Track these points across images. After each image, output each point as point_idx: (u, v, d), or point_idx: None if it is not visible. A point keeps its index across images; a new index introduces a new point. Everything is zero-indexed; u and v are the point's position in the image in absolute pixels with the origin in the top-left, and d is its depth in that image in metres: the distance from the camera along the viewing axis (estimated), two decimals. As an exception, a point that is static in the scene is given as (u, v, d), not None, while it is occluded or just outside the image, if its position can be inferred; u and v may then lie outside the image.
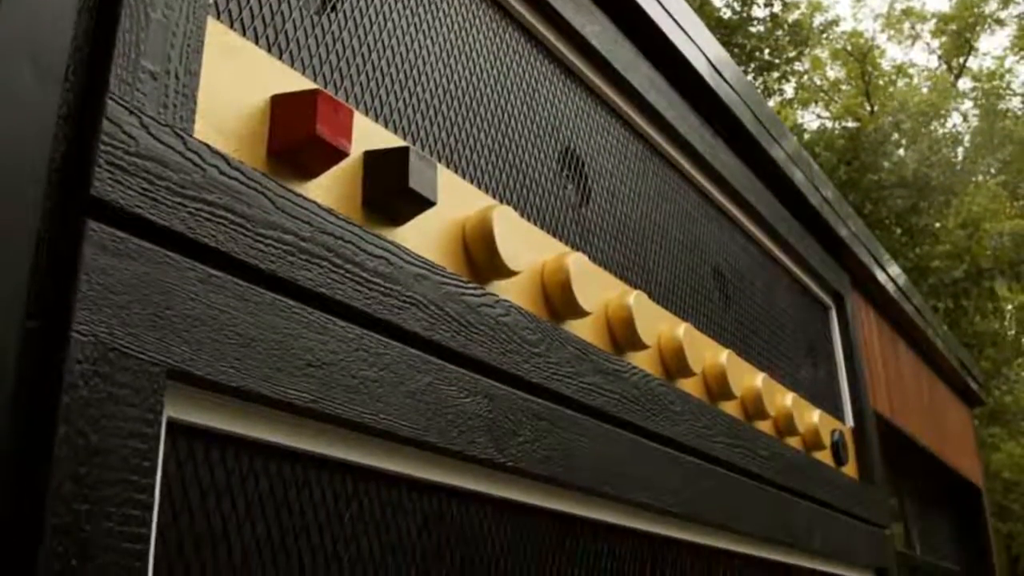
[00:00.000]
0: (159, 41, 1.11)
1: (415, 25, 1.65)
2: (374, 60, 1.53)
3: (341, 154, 1.31)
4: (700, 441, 2.19)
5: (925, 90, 27.40)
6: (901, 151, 22.74)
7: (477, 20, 1.83)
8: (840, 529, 3.02)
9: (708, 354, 2.37)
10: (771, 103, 24.51)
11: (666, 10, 2.45)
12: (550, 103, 2.03)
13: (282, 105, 1.28)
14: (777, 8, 23.80)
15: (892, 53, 43.00)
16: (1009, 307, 22.37)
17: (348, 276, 1.30)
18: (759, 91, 3.18)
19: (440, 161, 1.64)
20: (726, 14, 22.99)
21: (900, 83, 28.59)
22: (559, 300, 1.79)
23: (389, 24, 1.58)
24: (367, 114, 1.49)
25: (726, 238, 2.83)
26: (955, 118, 28.52)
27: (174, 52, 1.13)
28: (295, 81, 1.32)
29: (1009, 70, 29.10)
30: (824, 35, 27.72)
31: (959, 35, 29.01)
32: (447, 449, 1.44)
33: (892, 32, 30.90)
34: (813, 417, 2.95)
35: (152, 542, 1.02)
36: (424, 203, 1.44)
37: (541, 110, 1.99)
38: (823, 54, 28.53)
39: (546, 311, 1.79)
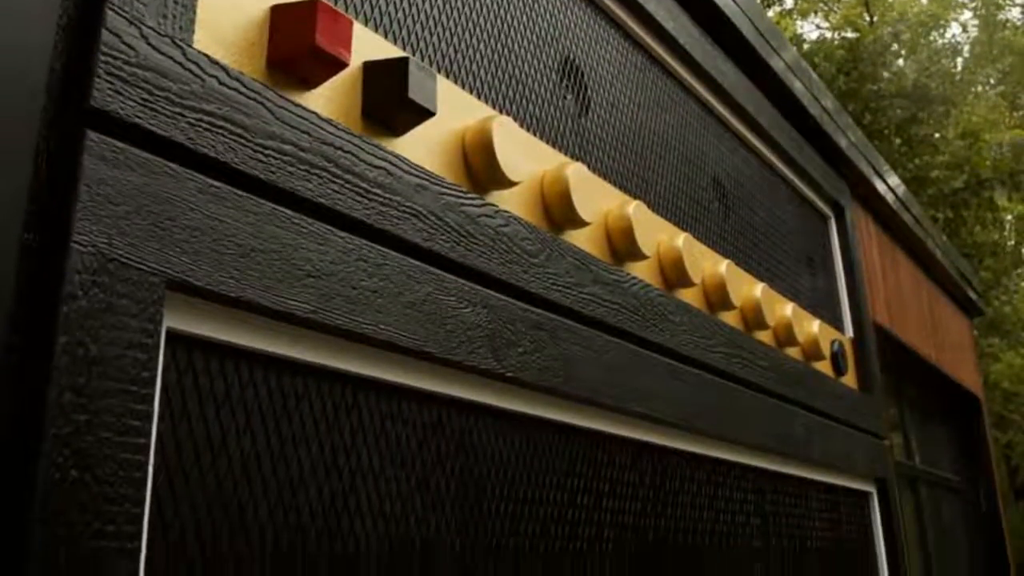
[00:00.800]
0: (155, -51, 1.10)
1: (412, -67, 1.63)
2: (371, -31, 1.52)
3: (340, 64, 1.30)
4: (699, 351, 2.20)
5: (924, 0, 27.17)
6: (900, 61, 22.57)
7: (475, -72, 1.82)
8: (839, 439, 3.03)
9: (707, 264, 2.37)
10: (770, 13, 24.34)
11: (666, -82, 2.43)
12: (550, 13, 2.02)
13: (281, 15, 1.27)
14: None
15: (893, -38, 42.57)
16: (1008, 217, 22.32)
17: (348, 186, 1.30)
18: (758, 1, 3.17)
19: (440, 72, 1.63)
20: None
21: (900, -7, 28.38)
22: (558, 210, 1.79)
23: (386, -68, 1.57)
24: (367, 24, 1.48)
25: (726, 148, 2.82)
26: (954, 28, 28.34)
27: (170, -40, 1.12)
28: (293, -10, 1.31)
29: (1009, -21, 28.86)
30: (823, -57, 27.46)
31: (959, -57, 28.75)
32: (447, 359, 1.44)
33: (892, -60, 30.63)
34: (812, 327, 2.96)
35: (152, 452, 1.03)
36: (424, 113, 1.43)
37: (541, 20, 1.98)
38: (822, -38, 28.28)
39: (546, 221, 1.79)
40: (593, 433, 1.86)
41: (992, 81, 25.47)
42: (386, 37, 1.51)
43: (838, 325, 3.48)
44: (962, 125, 20.83)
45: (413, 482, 1.43)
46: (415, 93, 1.40)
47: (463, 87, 1.68)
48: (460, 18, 1.73)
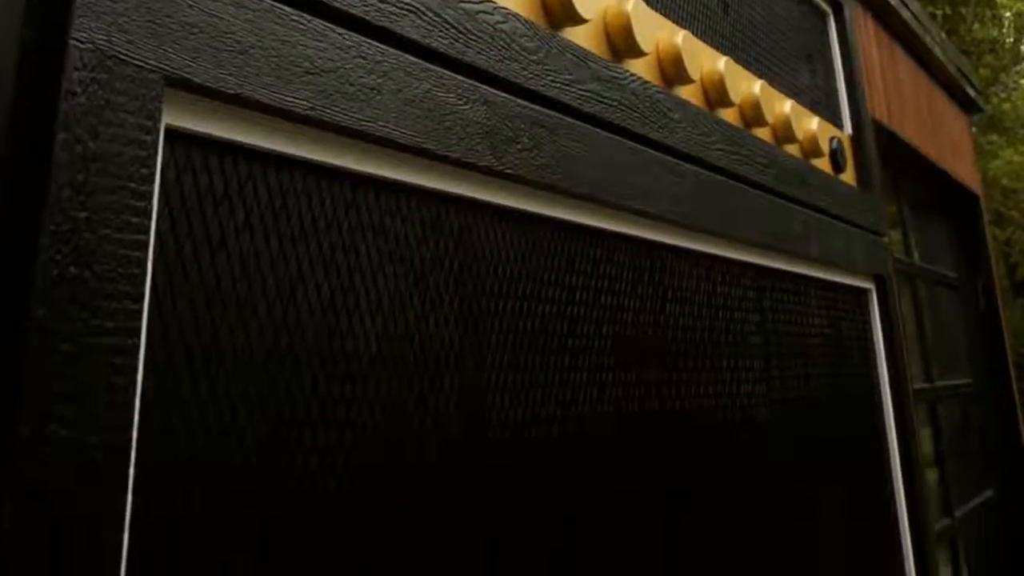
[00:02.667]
0: None
1: None
2: None
3: None
4: (698, 148, 2.19)
5: None
6: None
7: None
8: (838, 236, 3.04)
9: (706, 61, 2.36)
10: None
11: None
12: None
13: None
14: None
15: None
16: (1008, 14, 22.04)
17: (343, -18, 1.29)
18: None
19: None
20: None
21: None
22: (557, 7, 1.77)
23: None
24: None
25: (726, -56, 2.78)
26: None
27: None
28: None
29: None
30: None
31: None
32: (446, 156, 1.44)
33: None
34: (811, 124, 2.95)
35: (151, 249, 1.03)
36: (417, -94, 1.41)
37: None
38: None
39: (544, 19, 1.77)
40: (592, 230, 1.87)
41: None
42: None
43: (837, 122, 3.46)
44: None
45: (412, 279, 1.44)
46: None
47: None
48: None
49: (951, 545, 4.85)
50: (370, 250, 1.37)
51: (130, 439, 0.99)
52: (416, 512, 1.39)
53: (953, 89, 5.95)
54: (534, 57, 1.66)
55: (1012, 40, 23.14)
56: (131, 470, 0.99)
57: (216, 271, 1.15)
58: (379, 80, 1.33)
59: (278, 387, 1.21)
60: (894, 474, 3.44)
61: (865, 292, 3.40)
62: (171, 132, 1.08)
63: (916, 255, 5.36)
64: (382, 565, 1.32)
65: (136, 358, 1.00)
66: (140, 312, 1.01)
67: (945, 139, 5.63)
